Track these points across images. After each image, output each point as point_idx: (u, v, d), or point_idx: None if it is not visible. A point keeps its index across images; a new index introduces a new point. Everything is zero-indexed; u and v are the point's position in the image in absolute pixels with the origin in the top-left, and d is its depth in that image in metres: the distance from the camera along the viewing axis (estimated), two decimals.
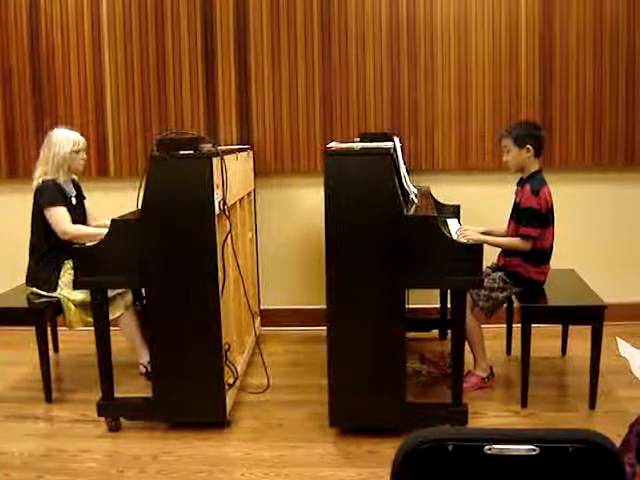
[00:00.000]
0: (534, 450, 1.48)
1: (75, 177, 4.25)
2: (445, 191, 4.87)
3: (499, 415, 3.70)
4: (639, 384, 2.33)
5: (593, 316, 3.67)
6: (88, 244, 3.50)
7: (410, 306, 4.87)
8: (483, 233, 4.01)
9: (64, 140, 4.07)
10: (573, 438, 1.50)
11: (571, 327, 4.42)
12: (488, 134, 4.93)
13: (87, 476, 3.20)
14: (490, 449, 1.48)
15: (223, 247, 3.53)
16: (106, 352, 3.54)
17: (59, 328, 4.61)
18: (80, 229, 4.03)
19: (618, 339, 2.44)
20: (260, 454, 3.35)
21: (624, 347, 2.32)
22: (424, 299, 4.88)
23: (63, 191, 4.06)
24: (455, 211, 4.66)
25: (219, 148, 3.59)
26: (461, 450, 1.50)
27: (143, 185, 3.34)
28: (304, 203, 5.07)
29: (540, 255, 3.90)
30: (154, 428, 3.62)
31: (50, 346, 4.52)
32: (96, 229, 4.02)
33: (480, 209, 4.76)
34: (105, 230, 3.52)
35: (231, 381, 3.70)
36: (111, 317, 3.90)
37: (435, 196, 4.72)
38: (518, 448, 1.48)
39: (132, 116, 5.04)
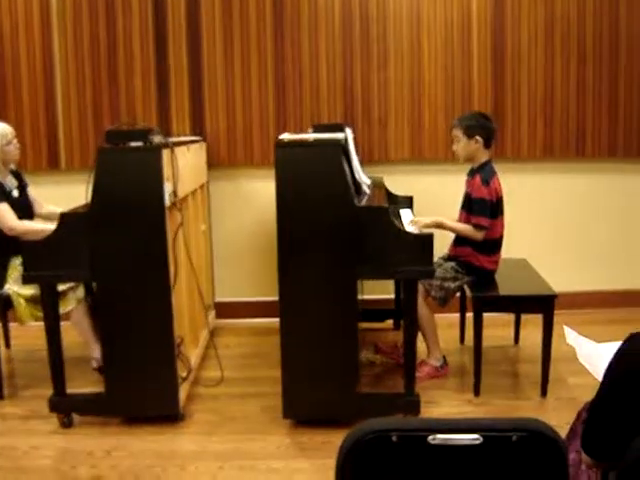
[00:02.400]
0: (478, 439, 1.49)
1: (13, 167, 4.17)
2: (398, 182, 4.88)
3: (452, 404, 3.74)
4: (588, 371, 2.36)
5: (544, 305, 3.72)
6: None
7: (365, 296, 4.90)
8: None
9: None
10: (516, 427, 1.52)
11: (524, 315, 4.46)
12: (440, 125, 4.94)
13: (39, 473, 3.16)
14: (434, 439, 1.49)
15: (174, 240, 3.50)
16: (57, 347, 3.50)
17: (10, 323, 4.54)
18: (28, 225, 3.94)
19: (565, 327, 2.48)
20: (214, 447, 3.34)
21: (571, 335, 2.36)
22: (379, 289, 4.90)
23: (2, 186, 3.97)
24: (408, 202, 4.67)
25: (170, 140, 3.56)
26: (405, 440, 1.51)
27: (93, 178, 3.30)
28: (258, 195, 5.05)
29: (491, 245, 3.95)
30: (107, 423, 3.58)
31: (1, 342, 4.48)
32: (44, 225, 3.95)
33: (433, 200, 4.78)
34: (48, 225, 3.47)
35: (184, 374, 3.67)
36: (63, 311, 3.85)
37: (388, 187, 4.74)
38: (462, 437, 1.50)
39: (83, 107, 4.96)
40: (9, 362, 4.51)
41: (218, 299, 5.16)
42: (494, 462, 1.53)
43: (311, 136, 3.60)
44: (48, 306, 3.47)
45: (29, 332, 4.48)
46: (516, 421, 1.54)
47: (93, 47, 4.91)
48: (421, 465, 1.54)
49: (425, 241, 3.25)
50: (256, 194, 5.05)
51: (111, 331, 3.45)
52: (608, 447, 1.73)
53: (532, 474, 1.54)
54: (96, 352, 4.01)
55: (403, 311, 3.44)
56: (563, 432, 2.01)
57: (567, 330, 2.38)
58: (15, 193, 4.08)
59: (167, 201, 3.37)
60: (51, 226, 3.55)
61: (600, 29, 4.92)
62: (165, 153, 3.36)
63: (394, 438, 1.51)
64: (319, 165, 3.23)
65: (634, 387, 1.64)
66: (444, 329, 4.58)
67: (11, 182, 4.09)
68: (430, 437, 1.49)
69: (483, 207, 3.84)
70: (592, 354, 2.18)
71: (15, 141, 4.06)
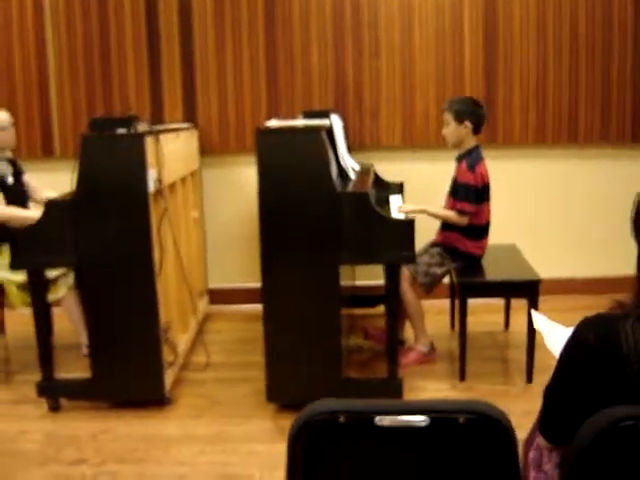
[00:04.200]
0: (425, 421, 1.51)
1: (9, 154, 4.21)
2: (389, 168, 4.89)
3: (437, 389, 3.76)
4: None
5: (528, 290, 3.73)
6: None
7: (357, 282, 4.92)
8: None
9: None
10: (463, 409, 1.53)
11: (515, 301, 4.46)
12: (432, 111, 4.94)
13: (24, 456, 3.21)
14: (381, 420, 1.51)
15: (159, 226, 3.53)
16: (45, 333, 3.57)
17: (5, 309, 4.58)
18: (9, 211, 3.94)
19: (533, 312, 2.48)
20: (197, 431, 3.37)
21: (539, 320, 2.36)
22: (371, 275, 4.91)
23: None
24: (399, 188, 4.69)
25: (155, 127, 3.59)
26: (352, 422, 1.53)
27: (77, 165, 3.34)
28: (251, 181, 4.99)
29: (477, 230, 3.96)
30: (95, 408, 3.63)
31: None
32: (27, 212, 3.97)
33: (424, 186, 4.79)
34: (32, 213, 3.51)
35: (171, 360, 3.71)
36: (54, 298, 3.93)
37: (380, 174, 4.75)
38: (409, 419, 1.52)
39: (77, 96, 4.99)
40: (4, 348, 4.54)
41: (211, 285, 5.19)
42: (441, 444, 1.55)
43: (294, 123, 3.62)
44: (36, 292, 3.53)
45: (24, 318, 4.53)
46: (463, 403, 1.56)
47: (86, 37, 4.93)
48: (369, 446, 1.56)
49: (406, 226, 3.27)
50: (249, 181, 5.03)
51: (97, 317, 3.49)
52: (563, 430, 1.75)
53: (480, 456, 1.56)
54: (86, 338, 4.04)
55: (385, 296, 3.46)
56: None
57: (535, 315, 2.38)
58: (10, 180, 4.12)
59: (151, 188, 3.40)
60: (30, 212, 3.61)
61: (592, 12, 4.89)
62: (149, 140, 3.38)
63: (342, 419, 1.53)
64: (301, 152, 3.24)
65: (585, 369, 1.66)
66: (435, 315, 4.62)
67: (5, 168, 4.12)
68: (377, 418, 1.51)
69: (468, 192, 3.85)
70: (558, 339, 2.18)
71: (10, 128, 4.11)
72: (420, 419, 1.51)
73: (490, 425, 1.52)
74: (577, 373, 1.68)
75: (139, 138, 3.31)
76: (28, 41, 4.95)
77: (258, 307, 4.82)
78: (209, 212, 5.14)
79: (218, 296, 5.17)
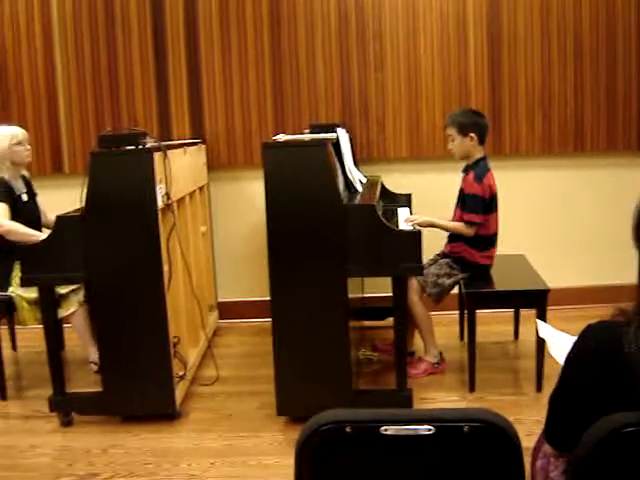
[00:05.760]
0: (430, 430, 1.52)
1: (26, 173, 4.25)
2: (397, 180, 4.91)
3: (447, 400, 3.76)
4: None
5: (536, 300, 3.73)
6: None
7: (366, 294, 4.93)
8: None
9: (0, 136, 4.05)
10: (468, 417, 1.54)
11: (524, 311, 4.46)
12: (438, 122, 4.95)
13: (36, 471, 3.23)
14: (387, 430, 1.53)
15: (168, 241, 3.56)
16: (56, 348, 3.59)
17: (17, 326, 4.61)
18: (13, 226, 3.91)
19: (538, 321, 2.50)
20: (208, 444, 3.39)
21: (543, 329, 2.38)
22: (379, 287, 4.91)
23: (9, 187, 4.03)
24: (407, 200, 4.70)
25: (162, 143, 3.62)
26: (359, 431, 1.55)
27: (86, 182, 3.37)
28: (259, 195, 5.02)
29: (484, 240, 3.96)
30: (106, 422, 3.65)
31: (9, 344, 4.56)
32: (32, 231, 3.94)
33: (432, 197, 4.79)
34: (38, 233, 3.56)
35: (181, 374, 3.73)
36: (65, 313, 3.96)
37: (388, 186, 4.77)
38: (414, 428, 1.53)
39: (85, 113, 5.04)
40: (16, 364, 4.58)
41: (221, 299, 5.21)
42: (447, 453, 1.56)
43: (300, 136, 3.64)
44: (46, 308, 3.55)
45: (36, 334, 4.56)
46: (468, 412, 1.57)
47: (93, 54, 4.98)
48: (375, 456, 1.57)
49: (413, 237, 3.28)
50: (257, 195, 5.03)
51: (107, 331, 3.51)
52: (567, 437, 1.75)
53: (485, 465, 1.56)
54: (94, 355, 4.04)
55: (393, 308, 3.46)
56: None
57: (540, 323, 2.40)
58: (24, 197, 4.15)
59: (160, 203, 3.42)
60: (41, 234, 3.66)
61: (597, 21, 4.91)
62: (157, 156, 3.41)
63: (348, 429, 1.54)
64: (307, 165, 3.26)
65: (589, 376, 1.66)
66: (445, 326, 4.63)
67: (20, 186, 4.15)
68: (383, 428, 1.53)
69: (475, 203, 3.86)
70: (563, 347, 2.19)
71: (26, 144, 4.14)
72: (425, 428, 1.52)
73: (495, 433, 1.53)
74: (580, 380, 1.69)
75: (147, 154, 3.34)
76: (36, 59, 5.00)
77: (268, 321, 4.88)
78: (218, 226, 5.17)
79: (228, 310, 5.18)
